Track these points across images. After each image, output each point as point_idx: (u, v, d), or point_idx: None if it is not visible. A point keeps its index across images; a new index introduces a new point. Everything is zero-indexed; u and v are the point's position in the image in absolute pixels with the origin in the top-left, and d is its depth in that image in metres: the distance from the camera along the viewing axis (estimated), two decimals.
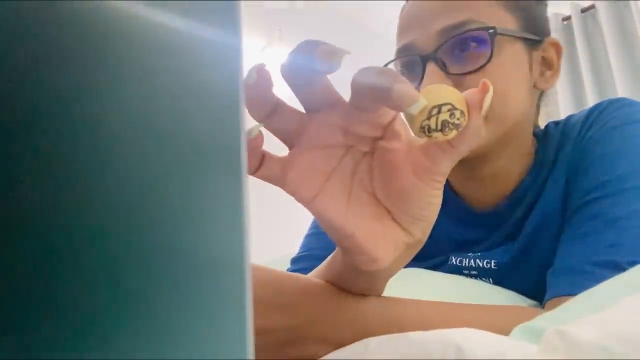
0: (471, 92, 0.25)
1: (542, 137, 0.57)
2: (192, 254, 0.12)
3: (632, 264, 0.39)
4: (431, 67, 0.49)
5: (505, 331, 0.29)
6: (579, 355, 0.17)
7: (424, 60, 0.49)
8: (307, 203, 0.28)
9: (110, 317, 0.11)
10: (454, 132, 0.25)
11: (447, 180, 0.60)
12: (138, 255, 0.12)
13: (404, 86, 0.24)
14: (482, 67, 0.49)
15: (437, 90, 0.25)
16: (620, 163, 0.47)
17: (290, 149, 0.29)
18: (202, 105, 0.13)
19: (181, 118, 0.13)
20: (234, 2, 0.14)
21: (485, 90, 0.25)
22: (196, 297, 0.12)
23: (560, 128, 0.56)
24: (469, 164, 0.54)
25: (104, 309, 0.11)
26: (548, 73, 0.55)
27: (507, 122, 0.51)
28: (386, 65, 0.54)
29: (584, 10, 2.27)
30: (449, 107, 0.24)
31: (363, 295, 0.33)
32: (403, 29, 0.54)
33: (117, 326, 0.11)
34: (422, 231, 0.29)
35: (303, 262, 0.57)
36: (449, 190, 0.59)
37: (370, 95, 0.25)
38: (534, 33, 0.53)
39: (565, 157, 0.52)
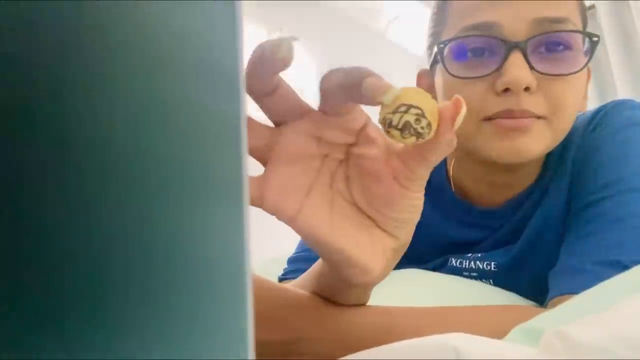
0: (446, 106, 0.25)
1: None
2: (192, 254, 0.12)
3: (636, 263, 0.39)
4: (518, 57, 0.44)
5: (503, 332, 0.28)
6: (579, 356, 0.17)
7: (510, 47, 0.44)
8: (290, 221, 0.27)
9: (111, 317, 0.11)
10: (412, 140, 0.24)
11: (448, 180, 0.59)
12: (138, 256, 0.12)
13: (375, 78, 0.23)
14: (573, 73, 0.46)
15: (414, 93, 0.24)
16: (623, 165, 0.47)
17: (264, 165, 0.28)
18: (202, 104, 0.13)
19: (181, 117, 0.13)
20: (234, 2, 0.14)
21: (458, 107, 0.25)
22: (196, 297, 0.12)
23: None
24: (495, 170, 0.52)
25: (105, 310, 0.11)
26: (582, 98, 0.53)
27: (560, 138, 0.49)
28: (452, 40, 0.48)
29: None
30: (418, 112, 0.24)
31: (353, 306, 0.33)
32: (486, 5, 0.47)
33: (117, 327, 0.11)
34: (406, 234, 0.29)
35: (300, 262, 0.57)
36: (448, 191, 0.59)
37: (341, 93, 0.25)
38: None
39: (569, 160, 0.52)
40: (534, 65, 0.45)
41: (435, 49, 0.50)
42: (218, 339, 0.12)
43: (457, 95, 0.25)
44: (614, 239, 0.42)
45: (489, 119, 0.47)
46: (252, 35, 2.19)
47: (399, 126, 0.24)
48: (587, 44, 0.47)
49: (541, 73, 0.45)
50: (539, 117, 0.46)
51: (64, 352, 0.11)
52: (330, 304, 0.32)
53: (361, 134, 0.28)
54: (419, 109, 0.24)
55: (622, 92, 2.01)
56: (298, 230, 0.27)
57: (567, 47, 0.46)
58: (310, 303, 0.32)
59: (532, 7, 0.46)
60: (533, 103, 0.45)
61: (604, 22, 2.14)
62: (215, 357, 0.12)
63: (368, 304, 0.34)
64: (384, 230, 0.28)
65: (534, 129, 0.46)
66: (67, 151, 0.11)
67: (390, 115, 0.24)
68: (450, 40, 0.48)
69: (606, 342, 0.17)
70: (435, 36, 0.53)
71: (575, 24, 0.47)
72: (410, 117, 0.24)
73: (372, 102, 0.24)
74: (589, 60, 0.47)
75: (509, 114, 0.45)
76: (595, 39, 0.47)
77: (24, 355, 0.10)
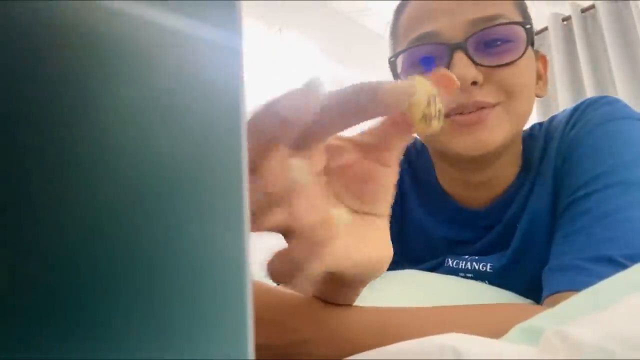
0: (438, 75, 0.26)
1: (528, 138, 0.58)
2: (192, 254, 0.12)
3: (626, 257, 0.40)
4: (460, 57, 0.48)
5: (502, 331, 0.28)
6: (579, 355, 0.17)
7: (452, 49, 0.49)
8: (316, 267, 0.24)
9: (111, 317, 0.11)
10: (442, 120, 0.26)
11: (438, 182, 0.60)
12: (138, 256, 0.12)
13: (391, 84, 0.23)
14: (515, 60, 0.49)
15: (425, 80, 0.25)
16: (604, 160, 0.48)
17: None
18: (203, 106, 0.13)
19: (181, 118, 0.13)
20: (234, 2, 0.14)
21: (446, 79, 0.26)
22: (196, 297, 0.12)
23: (545, 128, 0.57)
24: (466, 169, 0.54)
25: (105, 309, 0.11)
26: (540, 82, 0.57)
27: (521, 122, 0.52)
28: (402, 52, 0.53)
29: (584, 10, 2.27)
30: (436, 95, 0.25)
31: (351, 308, 0.33)
32: (424, 16, 0.52)
33: (117, 326, 0.11)
34: (388, 207, 0.29)
35: None
36: (439, 191, 0.60)
37: (344, 118, 0.24)
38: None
39: (550, 157, 0.53)
40: (477, 60, 0.49)
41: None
42: (218, 340, 0.12)
43: (444, 70, 0.26)
44: (602, 234, 0.43)
45: (446, 115, 0.49)
46: (252, 34, 2.19)
47: (436, 115, 0.25)
48: (526, 32, 0.51)
49: (485, 66, 0.49)
50: (493, 106, 0.49)
51: (64, 352, 0.11)
52: (328, 306, 0.32)
53: (329, 149, 0.28)
54: (434, 93, 0.25)
55: (622, 92, 2.01)
56: (334, 266, 0.26)
57: (505, 39, 0.50)
58: (308, 305, 0.32)
59: (465, 11, 0.50)
60: (484, 94, 0.49)
61: (604, 22, 2.14)
62: (215, 357, 0.12)
63: (367, 305, 0.34)
64: (379, 216, 0.29)
65: (490, 118, 0.49)
66: (65, 152, 0.11)
67: (427, 110, 0.25)
68: (399, 53, 0.53)
69: (606, 341, 0.17)
70: (393, 52, 0.58)
71: (510, 17, 0.51)
72: (439, 104, 0.25)
73: (395, 110, 0.24)
74: (527, 46, 0.51)
75: (462, 108, 0.49)
76: (527, 26, 0.51)
77: (24, 355, 0.10)
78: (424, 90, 0.24)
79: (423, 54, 0.51)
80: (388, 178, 0.28)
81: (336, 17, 2.44)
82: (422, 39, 0.51)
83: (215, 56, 0.13)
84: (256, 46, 2.14)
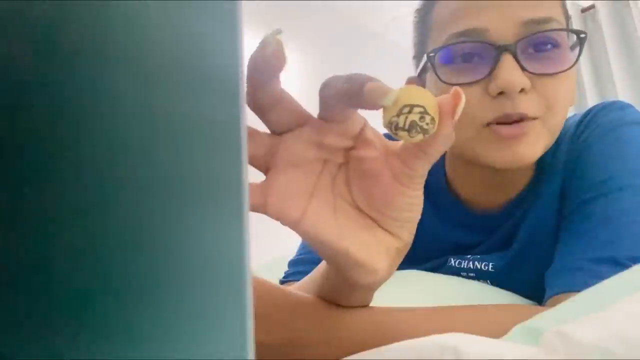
0: (445, 99, 0.25)
1: None
2: (192, 254, 0.12)
3: (630, 259, 0.40)
4: (508, 60, 0.44)
5: (503, 331, 0.28)
6: (579, 355, 0.17)
7: (500, 50, 0.44)
8: (295, 225, 0.27)
9: (110, 316, 0.11)
10: (420, 137, 0.25)
11: (446, 183, 0.60)
12: (138, 255, 0.12)
13: (375, 82, 0.24)
14: (564, 71, 0.46)
15: (414, 91, 0.25)
16: (613, 164, 0.47)
17: (265, 173, 0.28)
18: (202, 105, 0.13)
19: (181, 118, 0.13)
20: (234, 2, 0.14)
21: (458, 98, 0.25)
22: (196, 297, 0.12)
23: None
24: (491, 172, 0.52)
25: (105, 309, 0.11)
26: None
27: (556, 135, 0.49)
28: (443, 47, 0.48)
29: (584, 10, 2.27)
30: (421, 109, 0.24)
31: (352, 308, 0.33)
32: (469, 9, 0.47)
33: (117, 326, 0.11)
34: (409, 233, 0.29)
35: (301, 265, 0.57)
36: (447, 194, 0.59)
37: (342, 100, 0.25)
38: None
39: (559, 160, 0.53)
40: (525, 66, 0.45)
41: (425, 58, 0.50)
42: (218, 339, 0.12)
43: (455, 87, 0.25)
44: (607, 236, 0.43)
45: (487, 124, 0.46)
46: (251, 35, 2.19)
47: (406, 127, 0.24)
48: (574, 41, 0.48)
49: (533, 73, 0.45)
50: (534, 119, 0.46)
51: (63, 352, 0.11)
52: (329, 306, 0.32)
53: (359, 138, 0.28)
54: (421, 106, 0.24)
55: (622, 92, 2.01)
56: (303, 234, 0.27)
57: (555, 45, 0.46)
58: (309, 305, 0.32)
59: (517, 10, 0.46)
60: (528, 104, 0.45)
61: (604, 22, 2.14)
62: (215, 357, 0.12)
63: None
64: (387, 230, 0.28)
65: (530, 133, 0.46)
66: (65, 150, 0.11)
67: (395, 119, 0.24)
68: (440, 49, 0.48)
69: (606, 341, 0.17)
70: (421, 45, 0.54)
71: (560, 22, 0.48)
72: (415, 117, 0.24)
73: (374, 107, 0.25)
74: (579, 56, 0.47)
75: (505, 118, 0.45)
76: (582, 35, 0.47)
77: (25, 355, 0.10)
78: (403, 98, 0.24)
79: (465, 51, 0.47)
80: (402, 197, 0.27)
81: (336, 17, 2.44)
82: (466, 35, 0.46)
83: (215, 56, 0.13)
84: (256, 46, 2.14)
